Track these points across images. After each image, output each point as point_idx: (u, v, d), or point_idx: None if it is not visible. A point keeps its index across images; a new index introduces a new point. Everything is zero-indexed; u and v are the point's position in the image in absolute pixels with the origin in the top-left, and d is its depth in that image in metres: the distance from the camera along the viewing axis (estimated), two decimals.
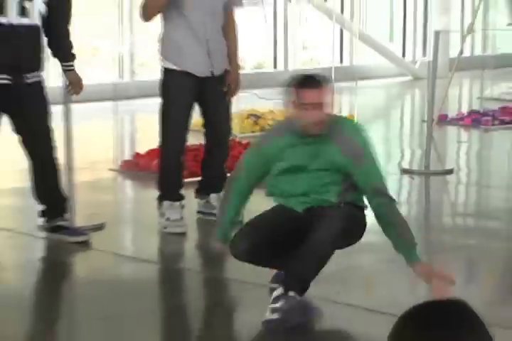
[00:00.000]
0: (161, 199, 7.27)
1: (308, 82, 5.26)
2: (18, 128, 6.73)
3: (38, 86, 6.73)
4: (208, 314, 5.95)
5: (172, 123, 7.21)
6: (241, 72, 7.42)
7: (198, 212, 7.46)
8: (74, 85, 6.96)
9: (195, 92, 7.15)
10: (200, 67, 7.08)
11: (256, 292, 5.96)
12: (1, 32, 6.44)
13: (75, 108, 7.17)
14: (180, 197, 7.28)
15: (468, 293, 5.73)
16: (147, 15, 7.05)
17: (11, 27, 6.45)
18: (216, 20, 7.13)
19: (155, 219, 7.23)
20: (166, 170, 7.31)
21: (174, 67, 7.11)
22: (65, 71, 6.95)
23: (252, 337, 5.46)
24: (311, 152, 5.35)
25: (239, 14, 7.41)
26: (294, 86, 5.27)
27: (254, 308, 5.61)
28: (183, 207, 7.26)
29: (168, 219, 7.19)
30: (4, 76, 6.49)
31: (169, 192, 7.28)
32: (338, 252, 5.42)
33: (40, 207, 6.92)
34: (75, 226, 7.02)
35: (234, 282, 6.31)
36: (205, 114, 7.37)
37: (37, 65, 6.70)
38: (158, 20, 7.19)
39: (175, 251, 7.07)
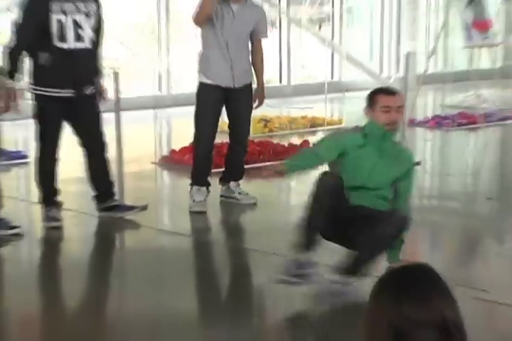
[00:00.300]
0: (191, 185, 7.26)
1: (390, 90, 5.36)
2: (77, 131, 6.75)
3: (93, 96, 6.73)
4: (229, 275, 6.02)
5: (203, 125, 7.18)
6: (253, 87, 7.42)
7: (221, 195, 7.45)
8: (102, 93, 6.89)
9: (221, 101, 7.16)
10: (224, 80, 7.06)
11: (267, 258, 5.98)
12: (63, 55, 6.43)
13: (124, 115, 7.18)
14: (207, 184, 7.26)
15: (433, 258, 5.82)
16: (198, 22, 7.01)
17: (70, 51, 6.45)
18: (239, 45, 7.11)
19: (187, 201, 7.21)
20: (198, 163, 7.29)
21: (205, 81, 7.11)
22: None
23: (261, 292, 5.55)
24: (387, 150, 5.27)
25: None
26: (379, 94, 5.27)
27: (265, 271, 5.62)
28: (208, 192, 7.25)
29: (194, 200, 7.19)
30: (69, 90, 6.49)
31: (198, 179, 7.26)
32: None
33: (93, 193, 6.94)
34: (124, 205, 7.04)
35: (250, 251, 6.39)
36: (229, 118, 7.39)
37: (92, 79, 6.70)
38: (193, 45, 7.19)
39: (203, 226, 7.06)
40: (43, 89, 6.52)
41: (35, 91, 6.58)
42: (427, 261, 2.46)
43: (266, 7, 14.09)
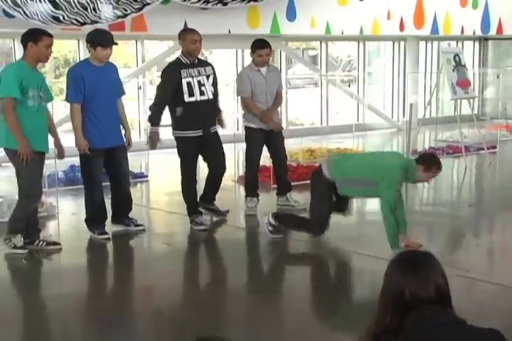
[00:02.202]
0: (246, 196, 7.26)
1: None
2: (205, 158, 6.70)
3: (216, 134, 6.67)
4: (272, 255, 5.97)
5: (252, 155, 7.15)
6: (300, 127, 7.34)
7: (278, 204, 7.33)
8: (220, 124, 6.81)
9: (263, 138, 7.08)
10: (265, 125, 7.04)
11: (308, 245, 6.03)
12: (193, 106, 6.41)
13: None
14: (257, 195, 7.23)
15: (430, 246, 5.75)
16: (247, 110, 7.10)
17: (197, 102, 6.44)
18: (273, 98, 7.10)
19: None
20: (249, 181, 7.27)
21: (252, 125, 7.07)
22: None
23: (295, 262, 5.54)
24: None
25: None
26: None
27: (305, 252, 5.64)
28: (258, 200, 7.21)
29: (248, 207, 7.18)
30: (200, 130, 6.48)
31: (250, 192, 7.24)
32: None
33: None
34: (220, 209, 6.99)
35: (291, 240, 6.26)
36: (270, 149, 7.25)
37: (214, 122, 6.65)
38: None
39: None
40: (180, 132, 6.50)
41: (176, 134, 6.55)
42: (426, 248, 2.47)
43: (311, 71, 14.21)
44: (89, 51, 6.08)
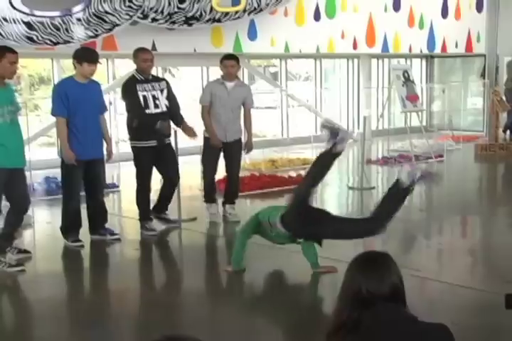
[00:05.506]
0: (205, 202, 7.18)
1: None
2: (160, 169, 6.66)
3: (170, 145, 6.64)
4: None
5: (208, 166, 7.05)
6: (263, 139, 7.26)
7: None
8: (190, 133, 6.69)
9: (220, 149, 6.97)
10: (220, 138, 6.92)
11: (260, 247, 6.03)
12: (148, 118, 6.39)
13: (181, 158, 6.99)
14: (215, 201, 7.16)
15: (384, 248, 5.78)
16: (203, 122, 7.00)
17: (152, 115, 6.42)
18: (233, 114, 6.94)
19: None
20: (205, 189, 7.22)
21: (208, 135, 6.95)
22: (183, 129, 6.68)
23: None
24: None
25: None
26: None
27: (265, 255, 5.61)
28: (217, 205, 7.14)
29: (210, 212, 7.11)
30: (154, 141, 6.46)
31: (207, 198, 7.16)
32: None
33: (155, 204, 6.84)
34: (171, 218, 6.91)
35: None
36: (225, 161, 7.10)
37: (169, 133, 6.60)
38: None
39: (225, 229, 6.92)
40: (136, 142, 6.50)
41: (132, 144, 6.57)
42: (381, 249, 2.47)
43: (271, 87, 14.24)
44: (75, 67, 6.04)
